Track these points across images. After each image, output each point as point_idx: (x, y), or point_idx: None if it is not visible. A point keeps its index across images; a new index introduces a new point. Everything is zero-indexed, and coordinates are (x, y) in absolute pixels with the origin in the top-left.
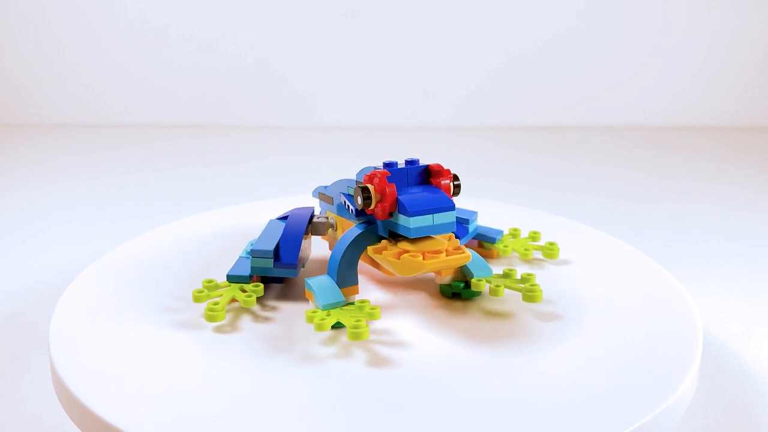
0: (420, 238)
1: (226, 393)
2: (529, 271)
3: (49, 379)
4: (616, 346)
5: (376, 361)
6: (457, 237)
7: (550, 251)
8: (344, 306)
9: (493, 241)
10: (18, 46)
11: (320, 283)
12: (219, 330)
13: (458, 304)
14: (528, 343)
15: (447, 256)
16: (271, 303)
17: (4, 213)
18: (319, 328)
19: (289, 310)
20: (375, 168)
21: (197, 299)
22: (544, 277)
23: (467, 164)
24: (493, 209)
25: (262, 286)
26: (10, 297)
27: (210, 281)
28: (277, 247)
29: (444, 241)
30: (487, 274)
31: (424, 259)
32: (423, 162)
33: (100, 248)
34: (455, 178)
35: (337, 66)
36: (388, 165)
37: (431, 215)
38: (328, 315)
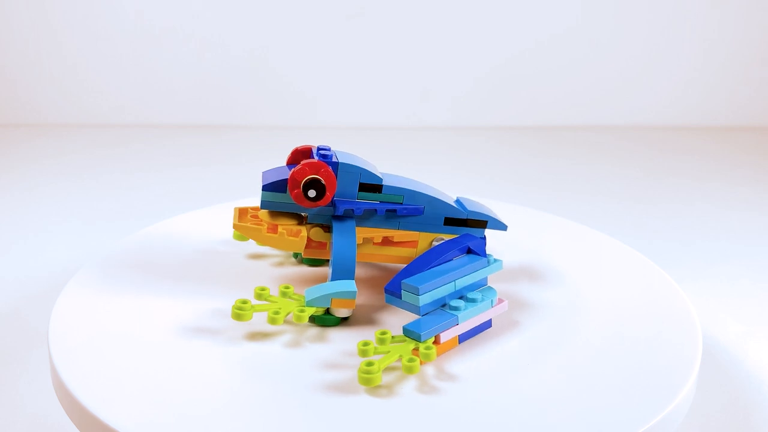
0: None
1: (225, 394)
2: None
3: (49, 379)
4: (614, 350)
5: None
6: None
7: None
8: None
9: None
10: (18, 46)
11: None
12: (219, 331)
13: None
14: (527, 345)
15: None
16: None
17: (4, 213)
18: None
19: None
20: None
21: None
22: (542, 277)
23: (467, 164)
24: (493, 209)
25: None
26: (10, 296)
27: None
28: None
29: (300, 227)
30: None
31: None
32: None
33: (99, 248)
34: (308, 185)
35: (337, 66)
36: (321, 149)
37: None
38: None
